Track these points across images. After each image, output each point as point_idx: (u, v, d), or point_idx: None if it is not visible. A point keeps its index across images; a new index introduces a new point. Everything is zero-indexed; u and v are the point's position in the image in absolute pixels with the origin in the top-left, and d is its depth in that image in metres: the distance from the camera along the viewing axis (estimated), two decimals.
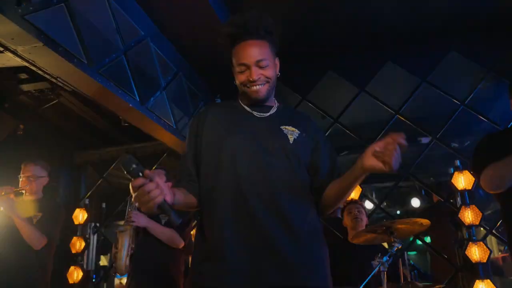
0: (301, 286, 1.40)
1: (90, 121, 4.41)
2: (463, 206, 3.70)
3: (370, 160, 1.28)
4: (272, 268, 1.38)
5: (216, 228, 1.45)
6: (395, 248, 2.48)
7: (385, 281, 2.37)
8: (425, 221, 2.53)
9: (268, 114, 1.63)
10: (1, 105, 3.55)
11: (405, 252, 3.42)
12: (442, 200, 4.14)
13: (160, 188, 1.22)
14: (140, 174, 1.20)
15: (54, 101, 3.66)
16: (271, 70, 1.57)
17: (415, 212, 7.30)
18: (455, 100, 4.20)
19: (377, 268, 2.39)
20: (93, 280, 4.62)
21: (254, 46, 1.55)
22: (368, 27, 4.13)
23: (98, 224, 4.82)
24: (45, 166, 3.18)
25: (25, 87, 3.41)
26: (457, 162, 3.86)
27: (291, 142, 1.55)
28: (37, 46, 2.28)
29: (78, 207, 4.63)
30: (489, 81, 4.17)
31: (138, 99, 3.15)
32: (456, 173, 3.81)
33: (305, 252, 1.44)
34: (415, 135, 4.67)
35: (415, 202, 7.28)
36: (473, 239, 3.62)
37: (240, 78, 1.57)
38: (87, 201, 4.73)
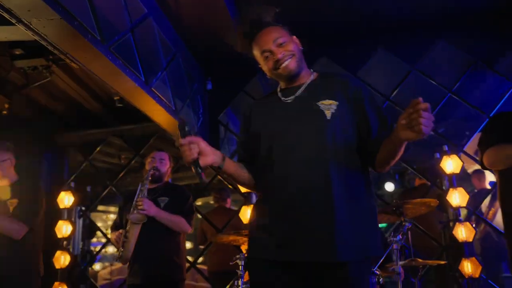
0: (333, 262, 1.45)
1: (79, 101, 4.25)
2: (450, 189, 3.90)
3: (402, 133, 1.32)
4: (311, 245, 1.47)
5: (264, 208, 1.60)
6: (406, 227, 2.60)
7: (398, 257, 2.49)
8: (434, 201, 2.65)
9: (295, 95, 1.65)
10: None
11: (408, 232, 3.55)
12: (429, 183, 4.34)
13: (196, 149, 1.45)
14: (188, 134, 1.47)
15: (46, 79, 3.49)
16: (292, 44, 1.65)
17: (387, 195, 7.56)
18: (443, 88, 4.38)
19: (391, 246, 2.50)
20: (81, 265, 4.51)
21: (268, 32, 1.66)
22: (360, 14, 4.20)
23: (83, 208, 4.69)
24: (5, 147, 2.92)
25: (19, 63, 3.22)
26: (445, 147, 4.05)
27: (328, 117, 1.56)
28: (54, 19, 2.16)
29: (63, 190, 4.49)
30: (475, 69, 4.36)
31: (143, 79, 3.07)
32: (444, 157, 4.00)
33: (341, 232, 1.47)
34: None
35: (389, 186, 7.54)
36: (459, 219, 3.83)
37: (268, 65, 1.66)
38: (72, 184, 4.60)
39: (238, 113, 5.55)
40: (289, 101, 1.65)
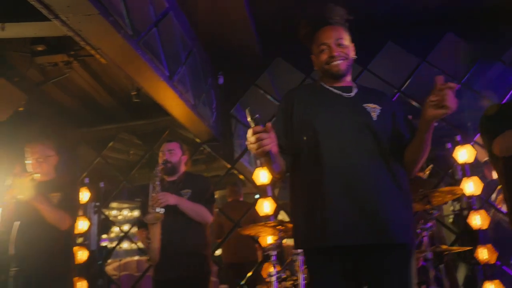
0: (390, 243, 1.54)
1: (94, 97, 4.24)
2: (464, 178, 3.97)
3: (429, 111, 1.43)
4: (362, 230, 1.53)
5: (316, 198, 1.61)
6: (434, 215, 2.67)
7: (428, 244, 2.56)
8: (459, 189, 2.73)
9: (353, 93, 1.76)
10: (11, 78, 3.33)
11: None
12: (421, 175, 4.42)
13: (271, 139, 1.43)
14: (260, 123, 1.42)
15: (65, 75, 3.48)
16: (349, 49, 1.76)
17: None
18: (453, 79, 4.45)
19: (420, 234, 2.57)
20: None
21: (332, 29, 1.76)
22: (369, 7, 4.24)
23: (98, 204, 4.69)
24: (52, 144, 3.03)
25: (39, 59, 3.21)
26: (458, 137, 4.12)
27: (374, 118, 1.68)
28: (91, 15, 2.18)
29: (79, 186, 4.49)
30: (483, 61, 4.45)
31: (168, 74, 3.09)
32: (457, 147, 4.08)
33: (389, 217, 1.56)
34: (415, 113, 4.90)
35: None
36: (473, 208, 3.91)
37: (321, 58, 1.74)
38: (87, 180, 4.60)
39: (247, 106, 5.56)
40: (347, 96, 1.73)
